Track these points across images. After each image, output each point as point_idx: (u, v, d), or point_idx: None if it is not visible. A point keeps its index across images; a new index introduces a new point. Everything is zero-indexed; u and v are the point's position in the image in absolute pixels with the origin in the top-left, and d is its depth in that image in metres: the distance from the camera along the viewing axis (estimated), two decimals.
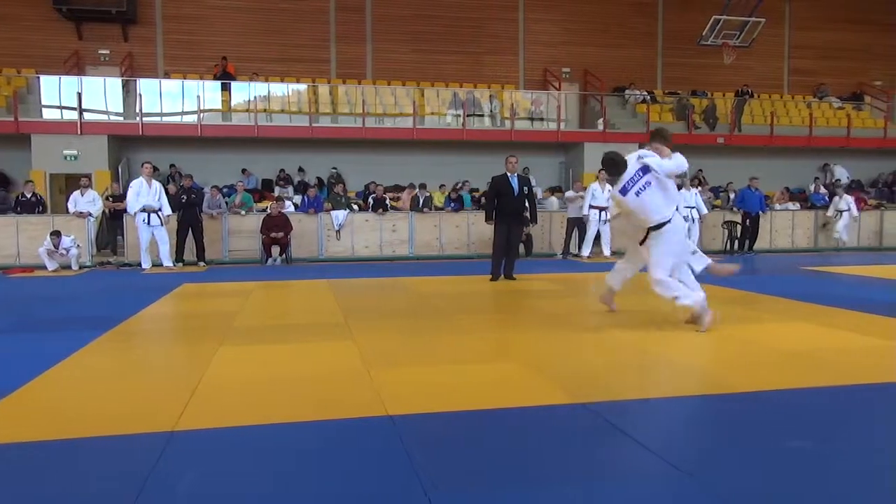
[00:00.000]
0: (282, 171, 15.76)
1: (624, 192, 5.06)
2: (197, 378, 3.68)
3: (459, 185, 15.28)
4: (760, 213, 13.96)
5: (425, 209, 13.38)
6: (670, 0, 19.52)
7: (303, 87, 16.63)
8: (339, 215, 12.81)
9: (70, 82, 14.76)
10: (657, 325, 5.29)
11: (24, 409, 3.24)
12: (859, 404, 3.23)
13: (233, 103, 15.80)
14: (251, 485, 2.31)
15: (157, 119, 15.11)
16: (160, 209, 10.67)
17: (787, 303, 6.61)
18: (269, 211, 12.08)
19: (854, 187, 17.83)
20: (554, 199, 15.37)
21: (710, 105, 17.87)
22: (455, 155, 16.38)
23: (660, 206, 5.01)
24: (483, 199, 13.17)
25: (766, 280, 9.12)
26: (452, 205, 13.93)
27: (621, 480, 2.33)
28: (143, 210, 10.55)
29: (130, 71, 16.39)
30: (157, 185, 10.81)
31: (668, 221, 5.01)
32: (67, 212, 11.72)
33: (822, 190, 16.89)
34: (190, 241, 11.44)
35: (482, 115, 17.03)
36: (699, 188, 15.19)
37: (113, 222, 12.56)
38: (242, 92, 15.98)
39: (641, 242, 5.17)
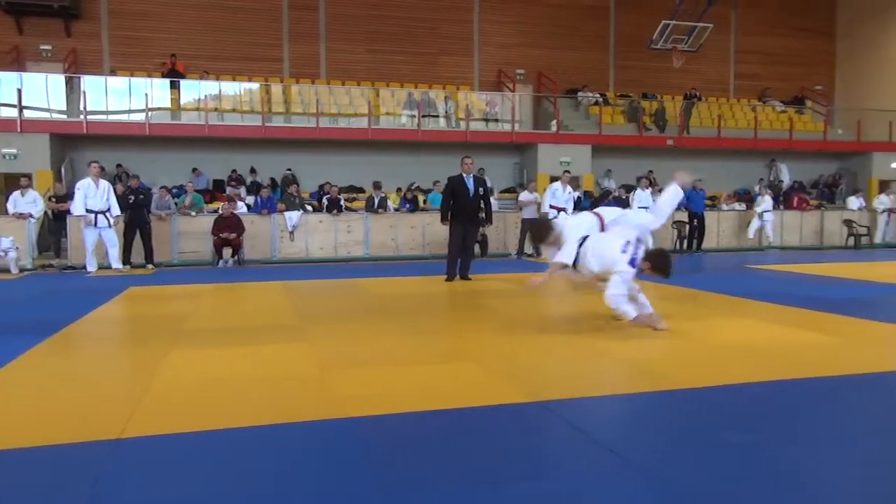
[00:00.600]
0: (234, 171, 15.48)
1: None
2: (145, 383, 3.58)
3: (413, 185, 15.27)
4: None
5: (380, 210, 13.33)
6: (622, 4, 19.91)
7: (255, 85, 16.38)
8: (293, 216, 12.65)
9: (9, 78, 14.22)
10: (608, 323, 5.37)
11: None
12: (801, 398, 3.34)
13: (182, 102, 15.45)
14: (203, 493, 2.26)
15: (103, 117, 14.66)
16: (108, 210, 10.34)
17: (732, 300, 6.79)
18: (220, 211, 11.84)
19: (796, 188, 18.48)
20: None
21: (660, 108, 18.29)
22: (410, 156, 16.37)
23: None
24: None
25: (712, 278, 9.37)
26: (408, 205, 13.90)
27: (576, 476, 2.36)
28: (91, 211, 10.21)
29: (74, 67, 15.87)
30: (105, 185, 10.47)
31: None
32: (6, 213, 11.27)
33: (767, 190, 17.43)
34: (138, 244, 11.13)
35: (437, 116, 17.06)
36: (650, 189, 15.48)
37: (56, 224, 12.14)
38: (192, 90, 15.65)
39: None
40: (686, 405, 3.22)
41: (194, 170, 15.28)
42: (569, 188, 12.56)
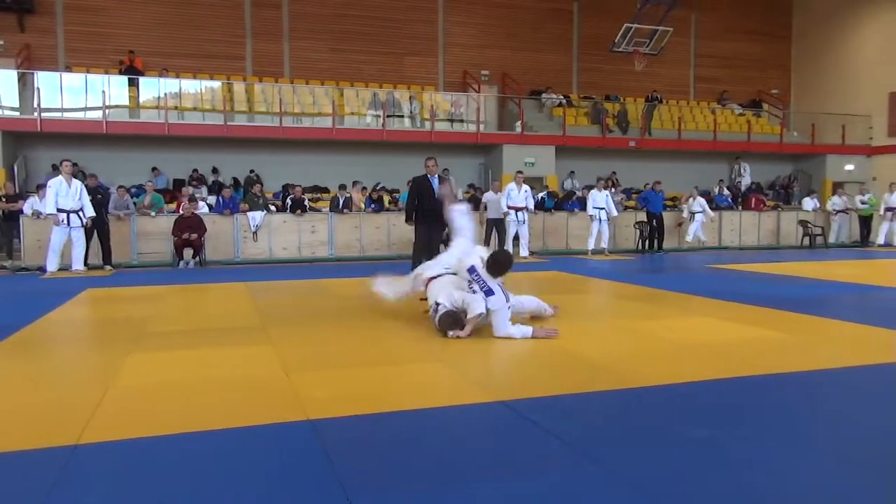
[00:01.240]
0: (195, 170, 15.22)
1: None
2: (103, 388, 3.49)
3: (379, 185, 15.23)
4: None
5: (345, 210, 13.25)
6: (585, 7, 20.15)
7: (217, 84, 16.12)
8: (256, 216, 12.49)
9: None
10: (569, 323, 5.43)
11: None
12: (758, 393, 3.43)
13: (141, 99, 15.14)
14: (163, 499, 2.22)
15: (58, 115, 14.27)
16: (81, 209, 10.09)
17: (692, 299, 6.93)
18: (181, 211, 11.63)
19: (754, 189, 18.94)
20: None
21: (622, 109, 18.56)
22: (375, 156, 16.31)
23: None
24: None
25: (672, 277, 9.54)
26: (373, 205, 13.85)
27: (539, 473, 2.38)
28: (62, 210, 9.95)
29: (28, 63, 15.42)
30: (77, 184, 10.20)
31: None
32: None
33: (726, 192, 17.83)
34: (95, 244, 10.86)
35: (402, 116, 17.02)
36: (612, 189, 15.71)
37: (7, 224, 11.77)
38: (151, 88, 15.34)
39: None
40: (647, 402, 3.28)
41: (154, 169, 14.98)
42: (524, 187, 12.67)
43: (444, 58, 19.11)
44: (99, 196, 10.96)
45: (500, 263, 5.04)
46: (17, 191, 12.58)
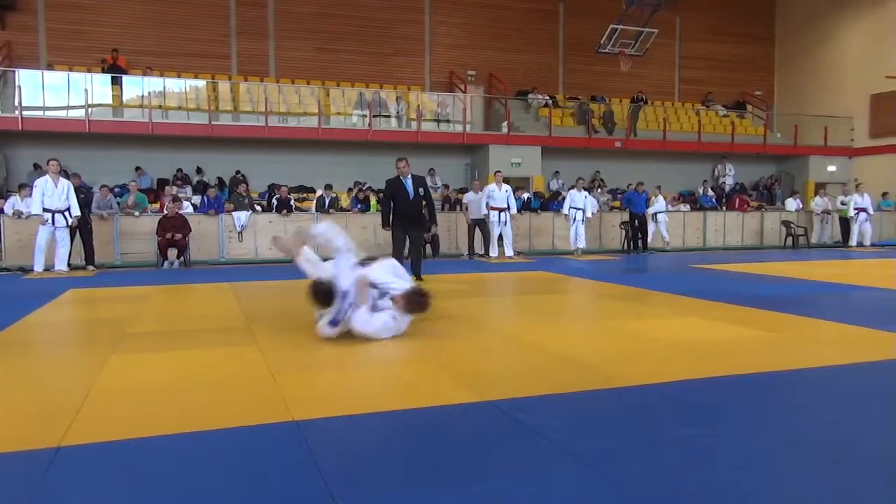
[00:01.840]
0: (179, 170, 15.10)
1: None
2: (86, 389, 3.46)
3: (365, 185, 15.18)
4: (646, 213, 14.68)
5: (331, 210, 13.21)
6: (570, 8, 20.22)
7: (201, 83, 16.00)
8: (242, 216, 12.42)
9: None
10: (555, 323, 5.45)
11: None
12: (743, 392, 3.45)
13: (124, 98, 14.99)
14: (146, 500, 2.20)
15: (40, 113, 14.09)
16: (68, 209, 9.97)
17: (677, 298, 6.97)
18: (165, 211, 11.54)
19: (738, 190, 19.11)
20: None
21: (608, 110, 18.64)
22: (361, 156, 16.26)
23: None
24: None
25: (657, 277, 9.60)
26: (359, 206, 13.81)
27: (526, 473, 2.39)
28: (48, 210, 9.83)
29: (9, 61, 15.23)
30: (65, 183, 10.07)
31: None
32: None
33: (710, 192, 17.98)
34: (77, 245, 10.75)
35: (388, 116, 16.99)
36: (598, 190, 15.79)
37: None
38: (135, 87, 15.19)
39: None
40: (633, 402, 3.29)
41: (137, 169, 14.85)
42: (505, 186, 12.63)
43: (431, 58, 19.11)
44: (82, 196, 10.84)
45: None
46: None
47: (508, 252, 12.59)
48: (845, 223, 16.35)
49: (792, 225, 16.33)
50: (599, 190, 16.76)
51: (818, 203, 16.68)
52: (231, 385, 3.66)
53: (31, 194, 10.33)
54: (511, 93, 18.68)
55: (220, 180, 15.07)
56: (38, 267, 9.94)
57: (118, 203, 12.21)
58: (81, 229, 10.71)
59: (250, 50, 17.50)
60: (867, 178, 17.73)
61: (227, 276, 9.62)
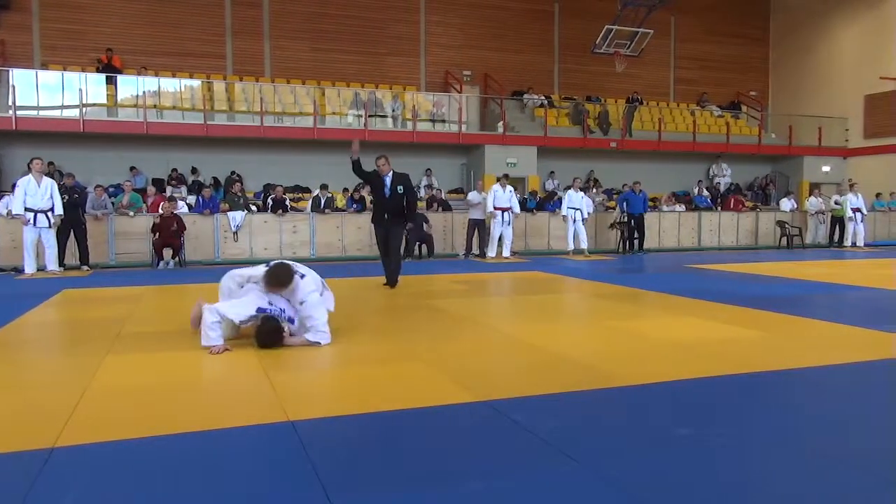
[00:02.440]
0: (174, 170, 15.06)
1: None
2: (80, 390, 3.44)
3: (361, 185, 15.15)
4: (644, 213, 14.68)
5: (327, 210, 13.20)
6: (566, 8, 20.25)
7: (196, 82, 15.97)
8: (237, 216, 12.40)
9: None
10: (551, 323, 5.45)
11: None
12: (739, 392, 3.46)
13: (119, 98, 14.95)
14: (141, 501, 2.19)
15: (34, 113, 14.05)
16: (51, 209, 9.88)
17: (672, 298, 6.99)
18: (160, 211, 11.51)
19: (733, 190, 19.16)
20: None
21: (603, 111, 18.67)
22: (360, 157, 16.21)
23: None
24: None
25: (652, 277, 9.62)
26: (355, 206, 13.80)
27: (522, 473, 2.39)
28: (30, 209, 9.75)
29: (2, 60, 15.17)
30: (48, 182, 9.96)
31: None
32: None
33: (705, 192, 18.02)
34: (72, 245, 10.71)
35: (384, 116, 16.99)
36: (594, 189, 15.80)
37: None
38: (130, 86, 15.15)
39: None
40: (629, 401, 3.30)
41: (132, 168, 14.81)
42: (509, 188, 12.69)
43: (426, 58, 19.11)
44: (76, 195, 10.81)
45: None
46: None
47: (505, 252, 12.61)
48: (836, 223, 16.37)
49: (786, 225, 16.38)
50: (595, 190, 16.78)
51: (812, 203, 16.73)
52: (227, 385, 3.65)
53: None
54: (506, 93, 18.70)
55: (216, 180, 15.04)
56: (29, 268, 9.88)
57: (113, 203, 12.17)
58: (76, 229, 10.66)
59: (245, 49, 17.47)
60: (861, 179, 17.79)
61: (222, 275, 9.57)
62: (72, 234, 10.64)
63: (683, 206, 16.94)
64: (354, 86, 17.44)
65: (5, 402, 3.35)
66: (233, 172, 15.18)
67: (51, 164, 14.05)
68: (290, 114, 16.19)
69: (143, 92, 14.98)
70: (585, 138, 17.97)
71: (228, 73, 17.21)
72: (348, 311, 6.36)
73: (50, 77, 14.64)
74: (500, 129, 17.16)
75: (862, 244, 15.55)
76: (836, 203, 16.38)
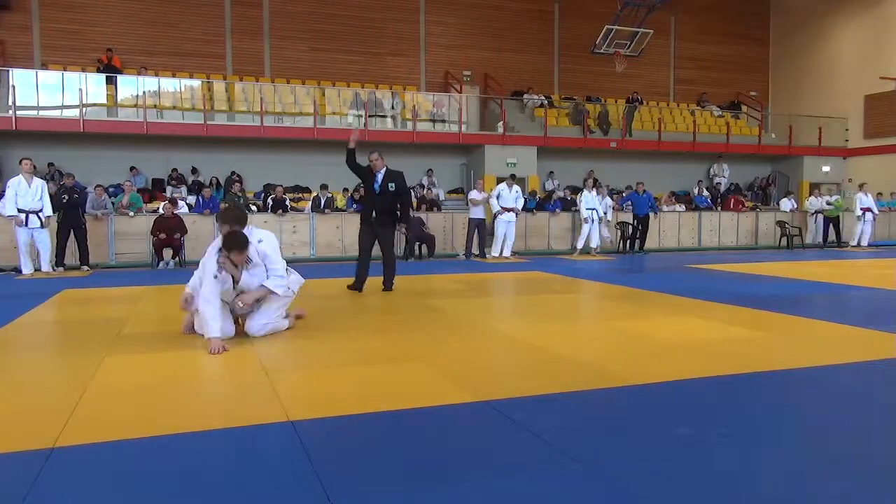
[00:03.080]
0: (174, 170, 15.07)
1: None
2: (80, 390, 3.44)
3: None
4: (652, 213, 14.67)
5: (327, 210, 13.20)
6: (566, 8, 20.25)
7: (196, 82, 15.97)
8: None
9: None
10: (551, 323, 5.45)
11: None
12: (740, 392, 3.46)
13: (119, 98, 14.94)
14: (141, 501, 2.19)
15: (34, 113, 14.05)
16: (41, 210, 9.86)
17: (673, 298, 6.98)
18: (160, 211, 11.51)
19: (733, 191, 19.16)
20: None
21: (603, 111, 18.67)
22: (357, 155, 16.19)
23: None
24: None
25: (653, 277, 9.61)
26: (355, 206, 13.79)
27: (520, 473, 2.39)
28: (22, 210, 9.73)
29: (2, 60, 15.17)
30: (39, 183, 9.95)
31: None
32: None
33: (705, 192, 18.02)
34: (72, 245, 10.70)
35: (384, 116, 16.99)
36: (596, 190, 15.71)
37: None
38: (130, 86, 15.15)
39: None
40: (629, 401, 3.30)
41: (132, 168, 14.81)
42: (515, 188, 12.73)
43: (426, 58, 19.11)
44: (75, 195, 10.80)
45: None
46: None
47: (506, 252, 12.62)
48: (832, 223, 16.36)
49: (786, 225, 16.37)
50: (595, 190, 16.75)
51: (812, 203, 16.73)
52: (226, 385, 3.65)
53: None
54: (506, 93, 18.70)
55: (217, 180, 15.03)
56: (26, 269, 9.87)
57: (113, 203, 12.17)
58: (76, 230, 10.66)
59: (245, 49, 17.47)
60: (861, 179, 17.78)
61: None
62: (72, 234, 10.64)
63: (683, 207, 16.94)
64: (354, 86, 17.44)
65: (5, 402, 3.35)
66: (233, 172, 15.17)
67: (50, 164, 14.07)
68: (290, 114, 16.19)
69: (143, 92, 14.98)
70: (585, 138, 17.97)
71: (228, 73, 17.21)
72: (348, 310, 6.36)
73: (50, 77, 14.64)
74: (500, 130, 17.16)
75: (865, 244, 15.56)
76: (826, 203, 16.38)
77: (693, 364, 4.01)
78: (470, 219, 13.01)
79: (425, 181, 16.49)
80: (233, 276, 4.74)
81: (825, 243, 16.23)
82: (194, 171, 15.35)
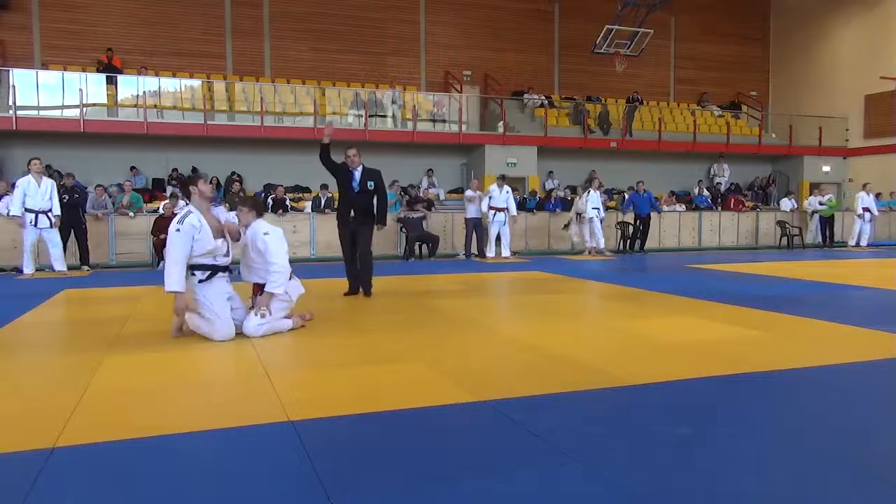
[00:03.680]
0: (174, 170, 15.06)
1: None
2: (81, 389, 3.44)
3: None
4: (654, 213, 14.66)
5: (327, 210, 13.19)
6: (566, 8, 20.24)
7: (196, 82, 15.97)
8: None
9: None
10: (551, 323, 5.45)
11: None
12: (739, 391, 3.46)
13: (119, 98, 14.94)
14: (141, 502, 2.19)
15: (34, 113, 14.05)
16: (50, 210, 9.86)
17: (673, 298, 6.98)
18: (160, 211, 11.51)
19: (733, 190, 19.15)
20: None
21: (603, 111, 18.67)
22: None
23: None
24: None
25: (653, 277, 9.61)
26: None
27: (521, 473, 2.39)
28: (30, 210, 9.74)
29: (2, 60, 15.17)
30: (48, 182, 9.94)
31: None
32: None
33: (705, 192, 18.02)
34: (72, 245, 10.70)
35: (385, 116, 16.98)
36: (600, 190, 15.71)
37: None
38: (130, 86, 15.15)
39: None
40: (629, 401, 3.30)
41: (132, 168, 14.81)
42: (506, 188, 12.67)
43: (426, 58, 19.10)
44: (76, 195, 10.80)
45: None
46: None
47: (505, 252, 12.61)
48: (826, 223, 16.35)
49: (787, 225, 16.37)
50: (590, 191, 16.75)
51: (812, 203, 16.72)
52: (226, 385, 3.65)
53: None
54: (506, 93, 18.70)
55: (216, 180, 15.03)
56: (28, 269, 9.86)
57: (113, 203, 12.17)
58: (76, 229, 10.66)
59: (245, 49, 17.47)
60: (861, 179, 17.80)
61: None
62: (72, 234, 10.64)
63: (683, 206, 16.94)
64: (354, 86, 17.44)
65: (5, 402, 3.35)
66: (233, 172, 15.17)
67: (48, 166, 14.04)
68: (290, 114, 16.19)
69: (144, 92, 14.97)
70: (585, 138, 17.97)
71: (228, 73, 17.21)
72: (348, 311, 6.36)
73: (50, 77, 14.64)
74: (501, 129, 17.15)
75: (865, 244, 15.56)
76: (820, 204, 16.37)
77: (693, 364, 4.01)
78: (466, 218, 13.00)
79: (425, 181, 16.50)
80: (224, 234, 4.80)
81: (825, 243, 16.23)
82: (195, 171, 15.34)
